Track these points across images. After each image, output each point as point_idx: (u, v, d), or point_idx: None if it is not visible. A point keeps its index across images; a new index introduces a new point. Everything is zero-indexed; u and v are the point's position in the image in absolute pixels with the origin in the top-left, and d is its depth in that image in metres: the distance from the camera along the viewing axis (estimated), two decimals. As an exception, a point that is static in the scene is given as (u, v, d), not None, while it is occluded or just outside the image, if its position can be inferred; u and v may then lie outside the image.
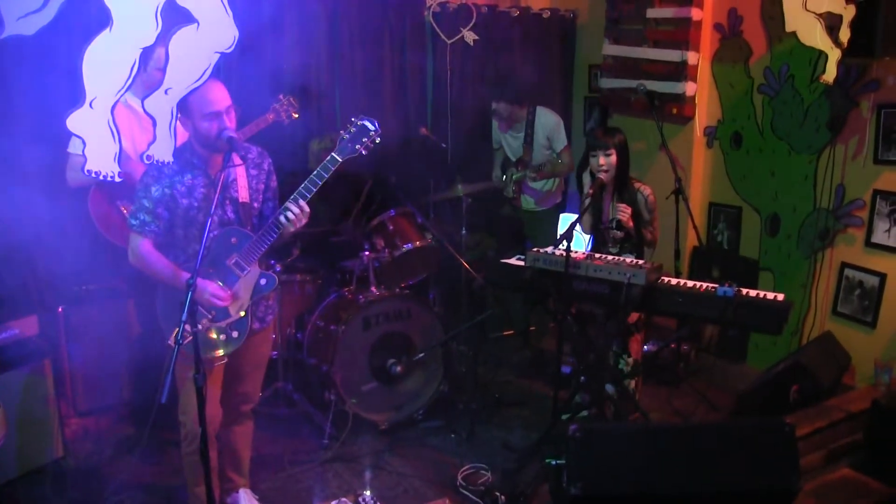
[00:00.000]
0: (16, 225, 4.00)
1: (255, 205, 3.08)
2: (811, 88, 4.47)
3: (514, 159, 5.21)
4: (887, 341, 4.18)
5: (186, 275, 2.80)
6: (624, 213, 3.96)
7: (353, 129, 2.96)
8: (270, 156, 3.21)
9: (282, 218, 2.89)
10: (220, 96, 2.84)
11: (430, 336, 4.37)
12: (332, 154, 2.93)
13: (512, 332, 5.59)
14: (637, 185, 4.09)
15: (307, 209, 2.93)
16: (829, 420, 3.70)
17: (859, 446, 3.69)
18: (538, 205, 5.25)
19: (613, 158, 3.98)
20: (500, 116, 5.07)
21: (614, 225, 4.04)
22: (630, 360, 4.10)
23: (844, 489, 3.32)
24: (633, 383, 4.19)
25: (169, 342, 2.89)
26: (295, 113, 4.19)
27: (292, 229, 2.93)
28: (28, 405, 3.62)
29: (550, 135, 5.06)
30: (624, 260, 3.72)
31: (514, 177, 5.16)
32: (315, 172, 2.91)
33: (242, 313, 3.00)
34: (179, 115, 2.81)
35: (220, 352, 3.00)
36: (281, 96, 4.20)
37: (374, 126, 2.95)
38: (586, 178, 4.21)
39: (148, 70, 3.43)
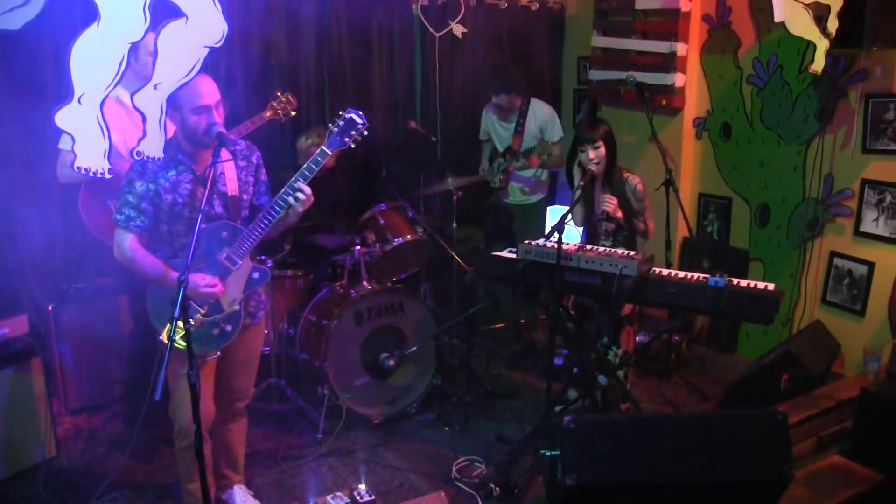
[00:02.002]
0: (4, 223, 3.98)
1: (245, 197, 3.07)
2: (800, 79, 4.49)
3: (501, 149, 5.20)
4: (876, 329, 4.21)
5: (175, 273, 2.80)
6: (609, 203, 3.95)
7: (341, 123, 2.96)
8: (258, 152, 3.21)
9: (290, 199, 2.88)
10: (209, 91, 2.83)
11: (422, 330, 4.37)
12: (322, 147, 2.93)
13: (502, 325, 5.60)
14: (626, 174, 4.09)
15: (310, 191, 2.93)
16: (819, 408, 3.73)
17: (849, 434, 3.72)
18: (526, 194, 5.23)
19: (602, 150, 3.99)
20: (500, 108, 5.06)
21: (604, 217, 4.05)
22: (619, 352, 4.11)
23: (834, 476, 3.35)
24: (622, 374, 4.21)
25: (160, 339, 2.88)
26: (293, 110, 4.17)
27: (301, 209, 2.92)
28: (19, 404, 3.61)
29: (543, 126, 5.06)
30: (615, 251, 3.72)
31: (500, 166, 5.16)
32: (305, 165, 2.90)
33: (235, 307, 3.00)
34: (168, 109, 2.80)
35: (214, 347, 3.00)
36: (279, 93, 4.17)
37: (362, 119, 2.95)
38: (576, 171, 4.21)
39: (139, 58, 3.40)
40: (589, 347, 3.89)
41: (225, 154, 2.91)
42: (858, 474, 3.35)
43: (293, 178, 2.90)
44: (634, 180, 4.07)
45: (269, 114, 4.12)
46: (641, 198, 4.07)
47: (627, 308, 4.02)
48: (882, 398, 3.51)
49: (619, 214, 3.98)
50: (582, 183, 3.95)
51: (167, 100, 2.74)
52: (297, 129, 4.87)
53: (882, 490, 3.26)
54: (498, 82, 5.00)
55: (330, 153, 2.94)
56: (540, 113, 5.07)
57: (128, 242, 2.90)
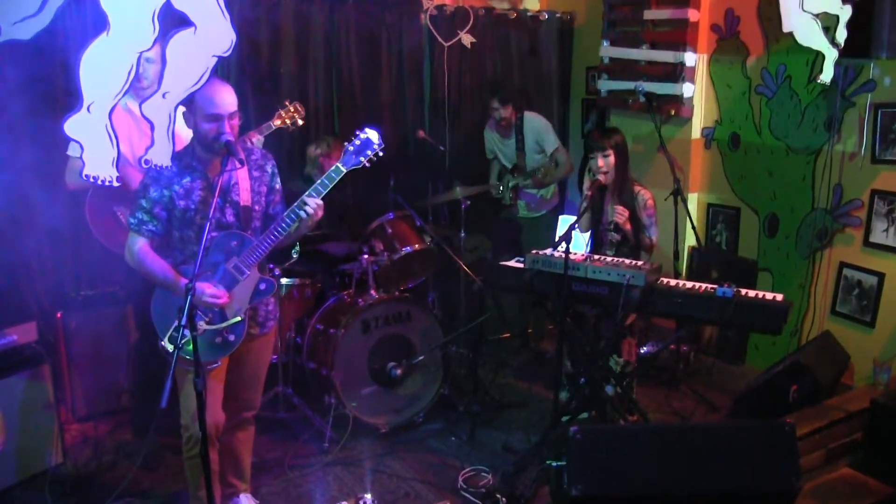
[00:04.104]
0: (13, 231, 4.01)
1: (257, 207, 3.07)
2: (808, 89, 4.48)
3: (509, 166, 5.21)
4: (886, 340, 4.19)
5: (184, 280, 2.81)
6: (621, 215, 3.94)
7: (357, 142, 3.01)
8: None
9: (301, 212, 2.91)
10: (224, 100, 2.84)
11: (429, 339, 4.37)
12: (337, 164, 2.98)
13: (509, 334, 5.59)
14: (637, 188, 4.07)
15: (321, 203, 2.95)
16: (829, 420, 3.70)
17: (858, 446, 3.68)
18: (536, 210, 5.25)
19: (612, 159, 3.97)
20: (498, 122, 5.07)
21: (612, 228, 4.04)
22: (621, 361, 4.09)
23: (844, 489, 3.32)
24: (629, 386, 4.19)
25: (161, 344, 2.89)
26: (301, 119, 4.19)
27: (311, 222, 2.96)
28: (27, 411, 3.62)
29: (539, 138, 5.08)
30: (623, 261, 3.71)
31: (510, 183, 5.17)
32: (319, 181, 2.94)
33: (240, 318, 2.99)
34: (184, 111, 2.83)
35: (216, 356, 3.00)
36: (287, 102, 4.19)
37: (378, 139, 3.01)
38: (587, 178, 4.19)
39: (140, 70, 3.42)
40: (592, 356, 3.88)
41: (234, 163, 2.92)
42: (868, 487, 3.31)
43: (306, 193, 2.93)
44: (645, 195, 4.04)
45: (277, 122, 4.14)
46: (651, 213, 4.05)
47: (629, 318, 4.01)
48: (892, 410, 3.48)
49: (629, 227, 3.97)
50: (589, 193, 3.94)
51: (185, 100, 2.75)
52: (305, 138, 4.89)
53: (892, 503, 3.23)
54: (501, 93, 5.01)
55: (344, 170, 2.98)
56: (534, 126, 5.10)
57: (138, 246, 2.91)
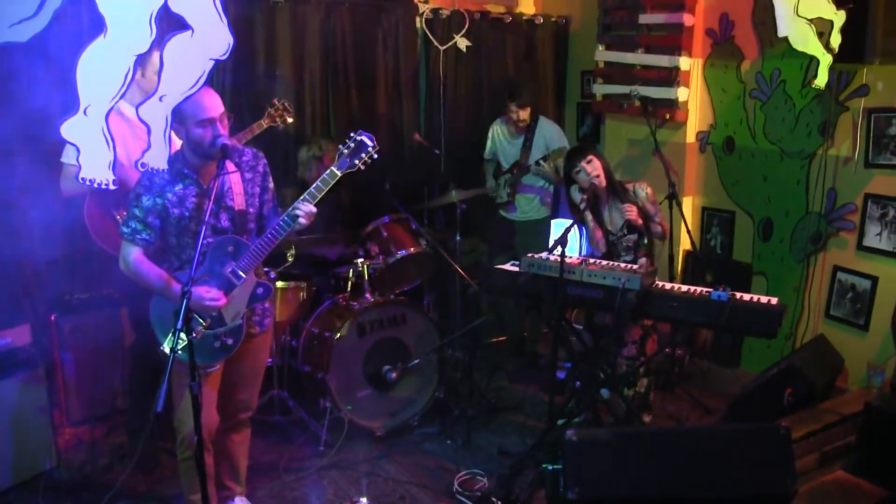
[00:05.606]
0: (7, 234, 3.99)
1: (251, 210, 3.07)
2: (803, 93, 4.50)
3: (506, 166, 5.21)
4: (879, 344, 4.20)
5: (178, 285, 2.81)
6: (631, 211, 3.96)
7: (351, 144, 2.99)
8: None
9: (294, 221, 2.90)
10: (213, 103, 2.83)
11: (424, 342, 4.37)
12: (332, 168, 2.96)
13: (505, 337, 5.59)
14: (630, 185, 4.11)
15: (314, 211, 2.94)
16: (823, 423, 3.71)
17: (853, 449, 3.69)
18: (535, 207, 5.24)
19: (596, 163, 4.00)
20: (514, 122, 5.06)
21: (626, 231, 4.05)
22: (642, 359, 4.12)
23: (838, 492, 3.32)
24: (648, 385, 4.24)
25: (162, 349, 2.89)
26: (290, 117, 4.19)
27: (306, 223, 2.93)
28: (21, 414, 3.61)
29: (549, 143, 5.08)
30: (618, 265, 3.73)
31: (508, 181, 5.17)
32: (314, 185, 2.93)
33: (238, 321, 3.00)
34: (173, 123, 2.81)
35: (215, 360, 3.00)
36: (275, 100, 4.20)
37: (372, 142, 2.99)
38: (576, 196, 4.19)
39: (146, 75, 3.42)
40: (604, 363, 3.89)
41: (230, 166, 2.92)
42: (862, 490, 3.32)
43: (301, 197, 2.92)
44: (643, 186, 4.11)
45: (266, 122, 4.14)
46: (654, 200, 4.10)
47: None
48: (886, 413, 3.49)
49: (641, 222, 4.00)
50: (585, 196, 3.95)
51: (171, 113, 2.75)
52: (300, 141, 4.89)
53: (886, 506, 3.25)
54: (519, 98, 5.01)
55: (339, 174, 2.96)
56: (547, 130, 5.11)
57: (133, 255, 2.91)
